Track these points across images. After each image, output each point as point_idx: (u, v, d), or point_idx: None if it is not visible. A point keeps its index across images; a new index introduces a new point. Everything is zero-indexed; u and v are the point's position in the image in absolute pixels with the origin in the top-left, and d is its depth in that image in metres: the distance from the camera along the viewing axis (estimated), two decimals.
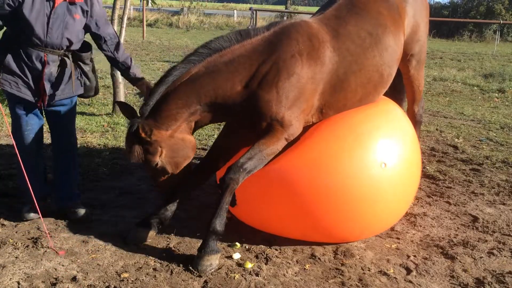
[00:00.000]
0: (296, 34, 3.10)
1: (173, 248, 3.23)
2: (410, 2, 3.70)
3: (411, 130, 3.52)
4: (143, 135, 2.99)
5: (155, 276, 2.87)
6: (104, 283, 2.78)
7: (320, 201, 3.01)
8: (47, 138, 5.49)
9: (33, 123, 3.38)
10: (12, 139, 3.32)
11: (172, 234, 3.39)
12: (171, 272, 2.93)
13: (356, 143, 3.09)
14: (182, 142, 3.12)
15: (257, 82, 3.02)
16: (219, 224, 2.98)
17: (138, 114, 3.09)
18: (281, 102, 3.00)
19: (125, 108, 3.10)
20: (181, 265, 2.99)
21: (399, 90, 4.25)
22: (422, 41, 3.88)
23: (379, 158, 3.08)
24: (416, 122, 4.25)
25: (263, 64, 3.02)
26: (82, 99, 7.72)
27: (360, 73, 3.25)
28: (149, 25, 25.45)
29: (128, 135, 3.09)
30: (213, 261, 2.95)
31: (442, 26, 28.90)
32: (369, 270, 3.05)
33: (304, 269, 3.03)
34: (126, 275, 2.87)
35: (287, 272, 2.98)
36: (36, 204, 3.21)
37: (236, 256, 3.12)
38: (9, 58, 3.19)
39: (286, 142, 3.10)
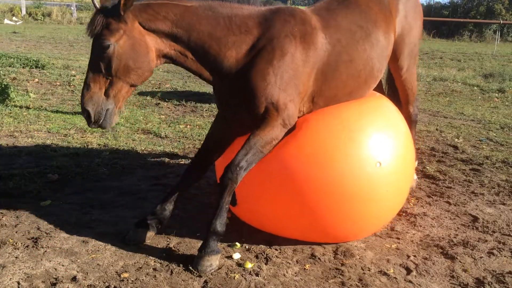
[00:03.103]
0: (290, 16, 3.07)
1: (173, 248, 3.23)
2: (402, 2, 3.69)
3: (404, 125, 3.47)
4: (122, 0, 2.68)
5: (155, 276, 2.87)
6: (104, 283, 2.78)
7: (315, 200, 2.98)
8: (47, 139, 5.51)
9: None
10: None
11: (172, 234, 3.39)
12: (171, 272, 2.93)
13: (350, 141, 3.05)
14: (147, 50, 2.84)
15: (251, 56, 2.95)
16: (220, 224, 2.98)
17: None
18: (275, 83, 2.93)
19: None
20: (181, 265, 2.99)
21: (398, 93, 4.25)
22: (414, 44, 3.86)
23: (374, 157, 3.05)
24: (411, 121, 4.24)
25: (259, 39, 2.97)
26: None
27: (351, 64, 3.22)
28: None
29: (99, 10, 2.79)
30: (213, 262, 2.95)
31: (442, 26, 28.91)
32: (369, 270, 3.05)
33: (304, 269, 3.03)
34: (126, 275, 2.87)
35: (287, 272, 2.98)
36: None
37: (236, 256, 3.12)
38: None
39: (283, 128, 3.02)
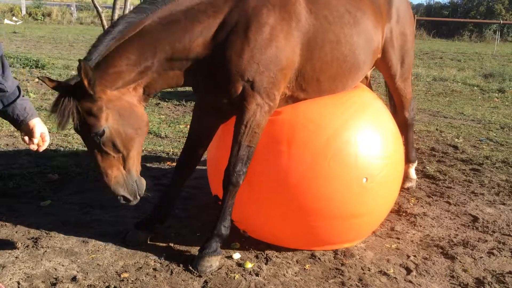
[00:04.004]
0: None
1: (173, 248, 3.23)
2: (395, 6, 3.62)
3: (392, 123, 3.35)
4: (85, 82, 2.41)
5: (155, 276, 2.87)
6: (104, 283, 2.78)
7: (307, 216, 2.96)
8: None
9: None
10: None
11: (172, 234, 3.39)
12: (171, 272, 2.93)
13: (335, 160, 2.91)
14: (131, 108, 2.67)
15: (224, 34, 2.71)
16: (224, 228, 2.99)
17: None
18: (253, 58, 2.71)
19: (50, 80, 2.48)
20: (181, 265, 2.99)
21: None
22: (405, 50, 3.78)
23: (361, 174, 2.95)
24: (408, 125, 4.24)
25: (231, 13, 2.72)
26: None
27: (337, 46, 3.05)
28: None
29: (62, 91, 2.49)
30: (213, 262, 2.94)
31: (442, 26, 28.92)
32: (369, 270, 3.05)
33: (304, 269, 3.03)
34: (126, 275, 2.87)
35: (287, 272, 2.98)
36: None
37: (236, 256, 3.12)
38: None
39: (262, 110, 2.82)
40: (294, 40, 2.87)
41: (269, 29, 2.76)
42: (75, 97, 2.49)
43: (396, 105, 4.19)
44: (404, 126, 4.19)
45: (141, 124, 2.71)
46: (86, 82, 2.42)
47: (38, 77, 2.55)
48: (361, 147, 3.00)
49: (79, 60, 2.38)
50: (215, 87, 2.86)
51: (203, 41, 2.72)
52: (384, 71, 3.85)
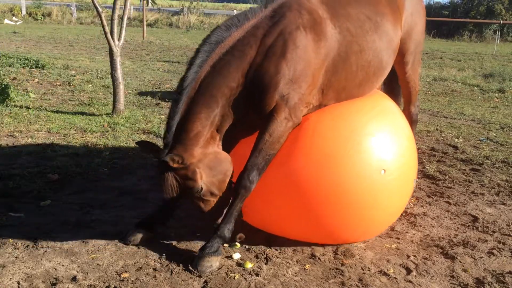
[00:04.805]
0: (297, 6, 3.05)
1: (173, 248, 3.23)
2: (408, 0, 3.72)
3: (409, 130, 3.48)
4: (175, 166, 2.82)
5: (155, 276, 2.88)
6: (104, 283, 2.78)
7: (320, 205, 2.98)
8: (47, 139, 5.51)
9: None
10: None
11: (172, 234, 3.39)
12: (171, 272, 2.93)
13: (356, 149, 3.02)
14: (216, 156, 2.98)
15: (262, 55, 2.93)
16: (228, 230, 3.01)
17: (163, 146, 2.95)
18: (289, 76, 2.91)
19: (146, 146, 2.97)
20: (181, 265, 3.00)
21: (396, 93, 4.26)
22: (418, 41, 3.90)
23: (380, 165, 3.03)
24: (413, 121, 4.27)
25: (268, 36, 2.94)
26: (82, 99, 7.74)
27: (361, 55, 3.20)
28: (149, 25, 25.47)
29: (161, 172, 2.91)
30: (213, 263, 2.95)
31: (442, 26, 28.91)
32: (369, 270, 3.05)
33: (304, 269, 3.03)
34: (126, 275, 2.87)
35: (287, 272, 2.98)
36: None
37: (236, 256, 3.13)
38: None
39: (288, 123, 2.96)
40: (322, 58, 3.04)
41: (303, 50, 2.96)
42: (170, 168, 2.85)
43: (403, 99, 4.22)
44: (409, 122, 4.19)
45: (228, 166, 3.02)
46: (177, 166, 2.83)
47: (136, 142, 3.03)
48: (381, 144, 3.10)
49: (169, 157, 2.78)
50: (249, 105, 2.99)
51: (249, 69, 2.94)
52: (397, 60, 3.88)
